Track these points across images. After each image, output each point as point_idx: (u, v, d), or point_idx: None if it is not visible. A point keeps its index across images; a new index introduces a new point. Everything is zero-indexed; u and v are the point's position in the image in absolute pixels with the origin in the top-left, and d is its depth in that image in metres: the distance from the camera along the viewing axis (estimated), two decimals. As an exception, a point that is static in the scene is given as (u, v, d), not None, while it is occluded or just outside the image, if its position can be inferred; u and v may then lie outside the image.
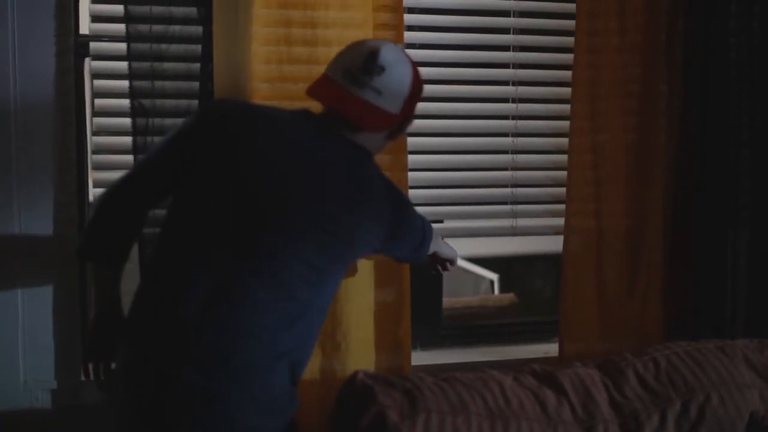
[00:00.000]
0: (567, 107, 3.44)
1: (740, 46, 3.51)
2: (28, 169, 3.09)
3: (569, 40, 3.44)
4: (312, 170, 2.42)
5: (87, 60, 3.18)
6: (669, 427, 3.00)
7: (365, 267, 3.21)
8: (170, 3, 3.06)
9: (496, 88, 3.56)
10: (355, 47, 2.55)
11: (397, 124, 2.59)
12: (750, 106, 3.53)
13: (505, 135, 3.54)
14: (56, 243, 3.13)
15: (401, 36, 3.20)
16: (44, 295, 3.14)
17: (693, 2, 3.47)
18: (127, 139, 3.07)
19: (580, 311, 3.48)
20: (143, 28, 3.04)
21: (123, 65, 3.06)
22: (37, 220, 3.11)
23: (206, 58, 3.06)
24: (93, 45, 3.15)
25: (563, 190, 3.46)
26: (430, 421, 2.78)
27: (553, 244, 3.52)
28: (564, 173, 3.45)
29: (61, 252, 3.12)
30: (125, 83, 3.05)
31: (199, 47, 3.07)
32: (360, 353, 3.24)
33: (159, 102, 3.07)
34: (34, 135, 3.09)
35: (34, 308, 3.13)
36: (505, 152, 3.55)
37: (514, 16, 3.52)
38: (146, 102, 3.05)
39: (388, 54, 2.49)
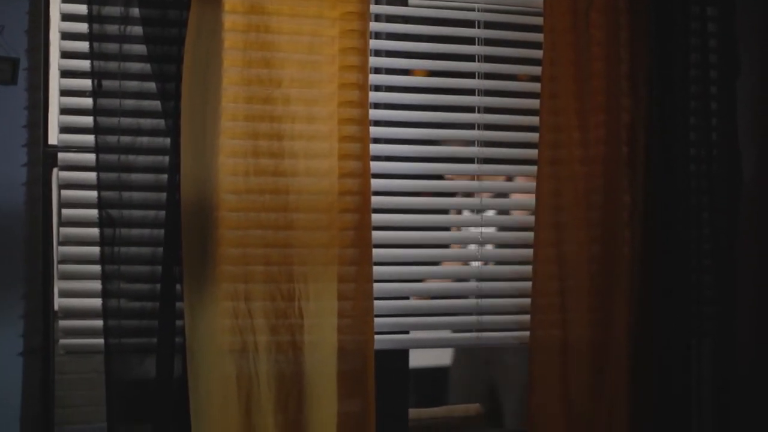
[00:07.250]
0: (531, 218, 3.48)
1: (700, 158, 3.60)
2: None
3: (533, 152, 3.50)
4: None
5: (55, 170, 3.20)
6: None
7: (329, 377, 3.20)
8: (138, 115, 3.09)
9: (462, 200, 3.60)
10: None
11: None
12: (710, 218, 3.61)
13: (471, 244, 3.58)
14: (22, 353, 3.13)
15: (367, 149, 3.24)
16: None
17: (653, 116, 3.54)
18: (95, 249, 3.07)
19: (547, 421, 3.47)
20: (111, 139, 3.07)
21: (91, 176, 3.08)
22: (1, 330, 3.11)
23: (173, 169, 3.07)
24: (61, 155, 3.18)
25: (528, 300, 3.48)
26: None
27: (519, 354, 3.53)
28: (529, 284, 3.48)
29: (28, 361, 3.13)
30: (93, 193, 3.07)
31: (166, 158, 3.09)
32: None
33: (126, 212, 3.08)
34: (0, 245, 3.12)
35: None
36: (471, 262, 3.58)
37: (478, 129, 3.58)
38: (114, 212, 3.07)
39: None
